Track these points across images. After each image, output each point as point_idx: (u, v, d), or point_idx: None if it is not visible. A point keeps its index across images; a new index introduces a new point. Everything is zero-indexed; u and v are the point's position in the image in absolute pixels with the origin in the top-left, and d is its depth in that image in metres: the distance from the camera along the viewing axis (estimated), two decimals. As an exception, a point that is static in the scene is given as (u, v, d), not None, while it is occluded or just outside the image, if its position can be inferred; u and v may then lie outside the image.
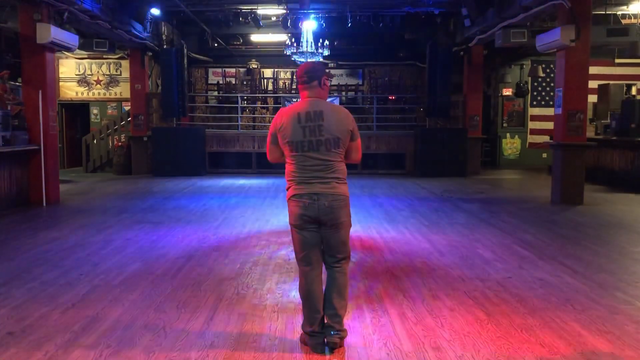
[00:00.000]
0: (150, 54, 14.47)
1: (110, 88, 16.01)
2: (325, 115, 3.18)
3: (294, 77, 17.14)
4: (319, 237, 3.26)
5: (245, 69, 17.32)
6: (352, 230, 6.86)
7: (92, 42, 12.03)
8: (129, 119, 14.70)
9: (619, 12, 11.54)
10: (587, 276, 4.83)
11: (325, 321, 3.25)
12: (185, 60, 14.25)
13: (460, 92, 14.66)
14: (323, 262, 3.35)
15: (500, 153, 16.59)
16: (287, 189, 3.29)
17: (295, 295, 4.25)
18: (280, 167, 3.42)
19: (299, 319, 3.70)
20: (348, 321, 3.69)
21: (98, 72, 15.94)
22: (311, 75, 3.27)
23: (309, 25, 12.70)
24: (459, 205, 8.98)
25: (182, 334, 3.49)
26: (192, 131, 14.61)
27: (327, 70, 3.38)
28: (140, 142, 14.37)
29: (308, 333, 3.26)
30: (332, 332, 3.22)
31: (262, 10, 13.47)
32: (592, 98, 12.91)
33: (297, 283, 3.43)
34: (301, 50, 12.68)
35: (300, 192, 3.19)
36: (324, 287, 3.32)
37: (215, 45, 16.55)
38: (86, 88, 15.93)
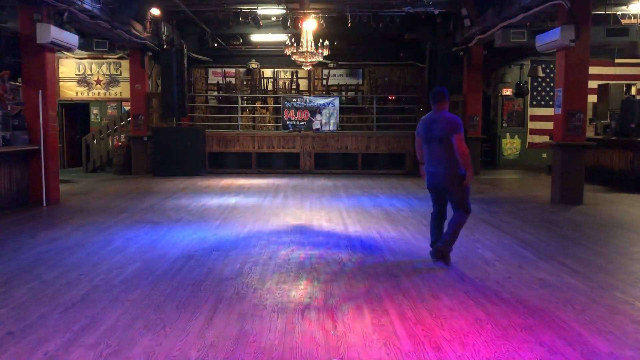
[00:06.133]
0: (150, 54, 14.47)
1: (110, 88, 16.02)
2: (437, 121, 5.07)
3: (294, 77, 17.17)
4: (438, 195, 5.33)
5: (245, 69, 17.32)
6: (352, 230, 6.83)
7: (92, 42, 12.01)
8: (129, 119, 14.70)
9: (619, 12, 11.53)
10: (587, 276, 4.83)
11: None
12: (185, 60, 14.25)
13: (460, 92, 14.65)
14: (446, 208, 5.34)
15: (500, 153, 16.59)
16: None
17: (294, 295, 4.27)
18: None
19: (298, 319, 3.74)
20: (348, 321, 3.71)
21: (98, 72, 15.95)
22: (445, 96, 5.12)
23: (309, 25, 12.70)
24: (458, 205, 8.97)
25: (182, 334, 3.49)
26: (192, 131, 14.60)
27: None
28: (140, 142, 14.37)
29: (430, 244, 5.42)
30: (437, 244, 5.23)
31: (262, 10, 13.47)
32: (592, 98, 12.91)
33: (296, 283, 4.45)
34: (301, 50, 12.67)
35: (425, 169, 5.32)
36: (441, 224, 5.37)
37: (215, 45, 16.55)
38: (86, 88, 15.94)
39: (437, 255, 5.22)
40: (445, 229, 5.25)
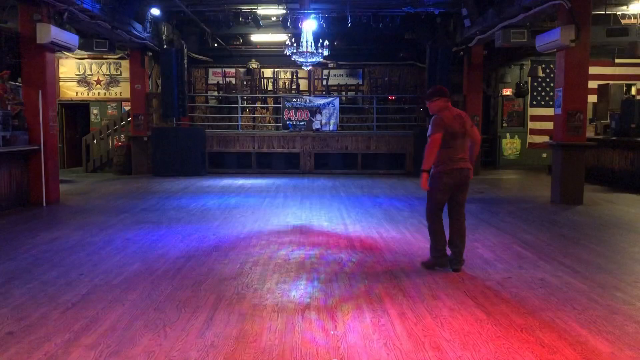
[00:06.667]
0: (150, 54, 14.46)
1: (110, 88, 16.01)
2: (462, 115, 5.00)
3: (294, 77, 17.17)
4: (453, 194, 4.96)
5: (245, 69, 17.31)
6: (352, 230, 6.82)
7: (92, 42, 12.02)
8: (129, 119, 14.70)
9: (619, 12, 11.53)
10: (587, 276, 4.83)
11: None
12: (185, 60, 14.24)
13: (460, 92, 14.65)
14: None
15: (500, 153, 16.58)
16: None
17: (294, 295, 4.26)
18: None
19: (299, 319, 3.73)
20: (348, 321, 3.70)
21: (98, 72, 15.95)
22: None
23: (309, 25, 12.69)
24: (459, 205, 8.97)
25: (182, 334, 3.49)
26: (192, 131, 14.60)
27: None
28: (140, 142, 14.37)
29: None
30: (457, 265, 4.98)
31: (262, 10, 13.47)
32: (592, 98, 12.91)
33: (296, 283, 4.43)
34: (301, 50, 12.67)
35: (454, 167, 4.95)
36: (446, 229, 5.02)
37: (215, 45, 16.53)
38: (86, 88, 15.93)
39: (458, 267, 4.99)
40: (458, 239, 4.97)
